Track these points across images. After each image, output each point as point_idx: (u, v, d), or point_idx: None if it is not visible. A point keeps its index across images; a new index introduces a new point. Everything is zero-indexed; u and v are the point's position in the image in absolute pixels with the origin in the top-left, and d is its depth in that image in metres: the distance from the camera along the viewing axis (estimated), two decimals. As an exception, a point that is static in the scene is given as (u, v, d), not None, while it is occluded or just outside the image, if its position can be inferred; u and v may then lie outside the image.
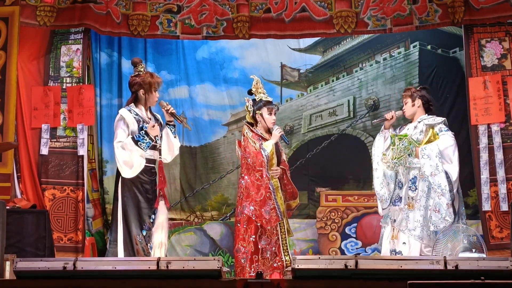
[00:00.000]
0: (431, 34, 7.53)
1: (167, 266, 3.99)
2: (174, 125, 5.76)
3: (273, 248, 5.80)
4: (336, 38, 7.79)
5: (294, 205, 6.12)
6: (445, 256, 4.25)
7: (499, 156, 6.68)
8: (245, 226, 5.81)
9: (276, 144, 6.01)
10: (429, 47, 7.66)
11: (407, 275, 3.74)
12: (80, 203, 6.91)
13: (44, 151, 6.94)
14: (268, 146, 5.86)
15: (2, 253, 4.84)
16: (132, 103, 5.68)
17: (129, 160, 5.49)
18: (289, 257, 5.76)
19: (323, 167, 7.72)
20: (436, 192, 5.65)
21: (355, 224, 7.40)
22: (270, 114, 5.98)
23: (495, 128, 6.72)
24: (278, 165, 5.96)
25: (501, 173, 6.64)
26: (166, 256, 5.48)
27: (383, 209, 5.94)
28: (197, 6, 7.10)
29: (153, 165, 5.65)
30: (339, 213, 7.44)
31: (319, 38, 7.78)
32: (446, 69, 7.58)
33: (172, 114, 5.72)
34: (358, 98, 7.84)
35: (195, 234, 7.74)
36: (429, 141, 5.80)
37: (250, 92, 6.10)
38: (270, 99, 6.06)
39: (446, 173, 5.65)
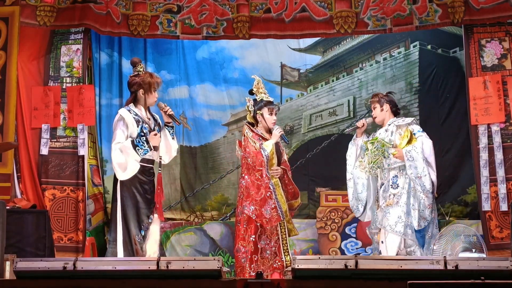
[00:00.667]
0: (431, 34, 7.53)
1: (167, 266, 3.99)
2: (172, 127, 5.76)
3: (273, 248, 5.80)
4: (336, 38, 7.79)
5: (296, 205, 6.12)
6: (445, 256, 4.25)
7: (499, 156, 6.68)
8: (245, 226, 5.81)
9: (277, 144, 6.01)
10: (429, 47, 7.67)
11: (407, 275, 3.74)
12: (80, 203, 6.91)
13: (44, 151, 6.94)
14: (268, 146, 5.86)
15: (2, 253, 4.83)
16: (132, 103, 5.67)
17: (123, 163, 5.47)
18: (290, 257, 5.76)
19: (323, 167, 7.72)
20: (422, 193, 5.70)
21: (355, 224, 7.40)
22: (271, 114, 5.98)
23: (495, 128, 6.72)
24: (278, 165, 5.96)
25: (501, 173, 6.64)
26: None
27: (357, 217, 6.15)
28: (197, 6, 7.10)
29: (151, 165, 5.63)
30: (339, 213, 7.44)
31: (319, 38, 7.78)
32: (446, 69, 7.58)
33: (170, 116, 5.71)
34: (358, 98, 7.84)
35: (195, 234, 7.74)
36: (409, 142, 5.82)
37: (251, 92, 6.09)
38: (271, 99, 6.05)
39: (430, 175, 5.74)
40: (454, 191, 7.42)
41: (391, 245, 5.74)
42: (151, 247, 5.43)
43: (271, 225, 5.76)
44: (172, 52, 7.98)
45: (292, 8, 7.03)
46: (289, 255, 5.80)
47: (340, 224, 7.43)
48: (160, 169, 5.62)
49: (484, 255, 6.25)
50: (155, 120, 5.73)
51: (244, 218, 5.82)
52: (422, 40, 7.65)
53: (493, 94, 6.73)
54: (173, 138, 5.76)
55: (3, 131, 6.67)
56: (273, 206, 5.74)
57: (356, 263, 3.89)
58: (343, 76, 7.99)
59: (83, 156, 6.99)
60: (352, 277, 3.90)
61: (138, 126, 5.52)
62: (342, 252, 7.35)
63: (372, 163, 5.78)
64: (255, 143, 5.87)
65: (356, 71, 7.94)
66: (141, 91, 5.62)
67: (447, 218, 7.36)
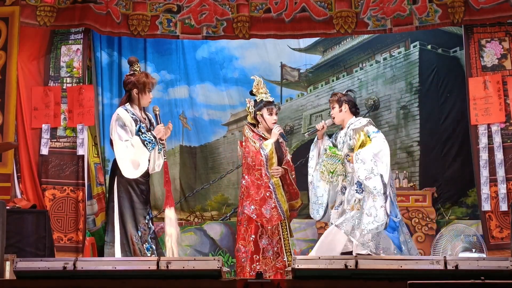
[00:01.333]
0: (431, 34, 7.53)
1: (167, 266, 3.99)
2: (163, 144, 5.68)
3: (275, 248, 5.80)
4: (336, 38, 7.79)
5: (297, 205, 6.11)
6: (445, 256, 4.25)
7: (499, 156, 6.68)
8: (245, 225, 5.82)
9: (280, 144, 6.01)
10: (429, 47, 7.67)
11: (407, 275, 3.74)
12: (80, 203, 6.91)
13: (44, 151, 6.94)
14: (268, 145, 5.86)
15: (2, 253, 4.83)
16: (128, 103, 5.65)
17: (136, 160, 5.47)
18: (292, 257, 5.75)
19: (323, 167, 7.70)
20: (372, 195, 5.51)
21: (355, 224, 7.39)
22: (271, 114, 5.97)
23: (495, 128, 6.72)
24: (280, 164, 5.95)
25: (501, 173, 6.64)
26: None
27: (317, 220, 6.09)
28: (197, 6, 7.10)
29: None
30: (339, 213, 7.43)
31: (319, 38, 7.78)
32: (446, 69, 7.59)
33: (156, 116, 5.67)
34: (358, 98, 7.81)
35: (195, 234, 7.74)
36: (362, 145, 5.67)
37: (252, 93, 6.10)
38: (271, 99, 6.04)
39: (381, 176, 5.54)
40: (454, 191, 7.42)
41: (336, 243, 5.66)
42: (171, 249, 5.47)
43: (272, 225, 5.76)
44: (172, 52, 7.99)
45: (292, 8, 7.03)
46: (291, 255, 5.80)
47: (340, 224, 7.41)
48: (165, 157, 5.61)
49: (484, 255, 6.26)
50: (149, 120, 5.72)
51: (245, 218, 5.82)
52: (422, 40, 7.65)
53: (493, 94, 6.73)
54: (158, 152, 5.64)
55: (3, 131, 6.67)
56: (273, 205, 5.74)
57: (356, 263, 3.89)
58: (343, 76, 7.99)
59: (83, 156, 6.99)
60: (352, 277, 3.90)
61: (136, 126, 5.51)
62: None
63: (331, 173, 5.70)
64: (255, 143, 5.88)
65: (356, 71, 7.94)
66: (135, 91, 5.60)
67: (447, 218, 7.36)
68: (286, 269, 5.58)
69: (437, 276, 3.78)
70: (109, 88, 7.79)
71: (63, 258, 5.06)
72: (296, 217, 6.36)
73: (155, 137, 5.50)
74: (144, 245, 5.49)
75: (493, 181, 6.68)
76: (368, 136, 5.70)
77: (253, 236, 5.76)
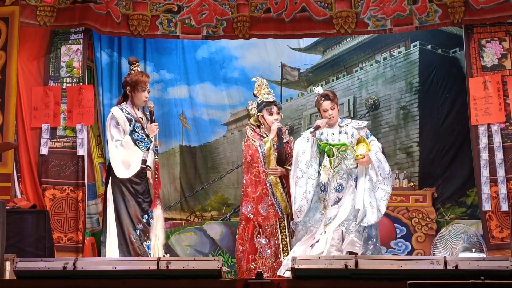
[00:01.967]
0: (431, 34, 7.53)
1: (167, 266, 3.99)
2: (151, 141, 5.62)
3: (273, 248, 5.81)
4: (336, 38, 7.79)
5: None
6: (445, 256, 4.25)
7: (499, 156, 6.68)
8: (243, 225, 5.88)
9: (283, 144, 6.00)
10: (429, 47, 7.67)
11: (407, 275, 3.74)
12: (80, 203, 6.91)
13: (44, 151, 6.94)
14: (266, 142, 5.88)
15: (2, 253, 4.83)
16: (125, 102, 5.67)
17: (127, 160, 5.48)
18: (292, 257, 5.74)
19: (323, 167, 7.70)
20: (385, 192, 5.59)
21: (355, 224, 7.38)
22: (271, 114, 5.98)
23: (495, 128, 6.72)
24: (282, 164, 5.94)
25: (501, 173, 6.64)
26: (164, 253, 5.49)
27: (298, 220, 5.64)
28: (197, 6, 7.10)
29: (144, 166, 5.61)
30: (339, 213, 7.42)
31: (319, 38, 7.77)
32: (446, 69, 7.58)
33: (150, 113, 5.67)
34: (358, 97, 7.84)
35: (195, 234, 7.74)
36: (358, 143, 5.71)
37: (255, 95, 6.12)
38: (272, 99, 6.05)
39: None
40: (454, 191, 7.42)
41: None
42: (157, 246, 5.43)
43: (269, 223, 5.77)
44: (172, 51, 7.98)
45: (292, 8, 7.03)
46: (288, 255, 5.78)
47: (340, 224, 7.41)
48: (156, 157, 5.59)
49: (484, 255, 6.26)
50: (147, 119, 5.72)
51: (243, 218, 5.89)
52: (422, 40, 7.65)
53: (493, 94, 6.73)
54: (153, 152, 5.63)
55: (3, 131, 6.67)
56: (269, 203, 5.77)
57: (356, 263, 3.89)
58: (343, 75, 7.99)
59: (83, 156, 6.99)
60: (352, 277, 3.90)
61: (130, 125, 5.52)
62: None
63: (335, 167, 5.68)
64: (255, 142, 5.90)
65: (356, 71, 7.94)
66: (128, 89, 5.63)
67: (447, 218, 7.36)
68: (279, 269, 5.56)
69: (437, 276, 3.79)
70: (109, 88, 7.78)
71: (63, 258, 5.06)
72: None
73: (147, 136, 5.50)
74: (145, 243, 5.48)
75: (493, 181, 6.67)
76: (367, 138, 5.75)
77: (249, 236, 5.79)
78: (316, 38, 7.84)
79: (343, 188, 5.65)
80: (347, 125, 5.85)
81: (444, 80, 7.55)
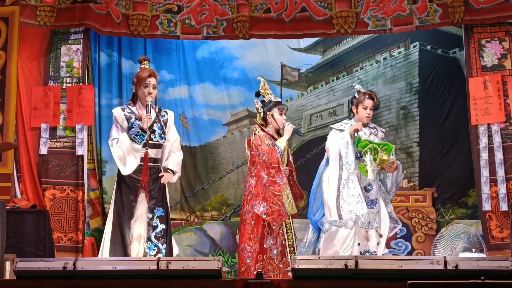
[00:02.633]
0: (431, 34, 7.53)
1: (167, 266, 3.99)
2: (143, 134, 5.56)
3: (280, 248, 5.79)
4: (336, 37, 7.79)
5: (301, 206, 6.10)
6: (445, 256, 4.25)
7: (499, 156, 6.68)
8: (252, 225, 5.77)
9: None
10: (429, 47, 7.67)
11: (407, 275, 3.73)
12: (80, 203, 6.91)
13: (43, 150, 6.94)
14: (282, 143, 5.87)
15: (2, 253, 4.83)
16: (131, 101, 5.70)
17: (122, 156, 5.47)
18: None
19: (323, 167, 7.70)
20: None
21: (354, 224, 7.39)
22: (281, 114, 5.95)
23: (495, 128, 6.72)
24: (286, 165, 5.95)
25: (501, 173, 6.64)
26: (144, 248, 5.43)
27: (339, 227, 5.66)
28: (197, 6, 7.10)
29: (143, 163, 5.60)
30: (339, 213, 7.42)
31: (319, 38, 7.78)
32: (446, 69, 7.59)
33: (147, 106, 5.63)
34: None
35: (195, 234, 7.74)
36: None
37: (257, 94, 6.06)
38: (278, 99, 6.06)
39: None
40: (454, 191, 7.42)
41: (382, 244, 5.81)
42: (137, 229, 5.37)
43: (280, 222, 5.75)
44: (172, 51, 7.98)
45: (292, 8, 7.03)
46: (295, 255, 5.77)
47: (340, 224, 7.41)
48: (146, 148, 5.55)
49: (484, 255, 6.26)
50: (159, 120, 5.67)
51: (252, 217, 5.76)
52: (422, 40, 7.66)
53: (493, 94, 6.73)
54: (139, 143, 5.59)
55: (3, 131, 6.67)
56: (280, 203, 5.72)
57: (356, 263, 3.89)
58: (343, 76, 7.99)
59: (82, 156, 6.99)
60: (352, 277, 3.90)
61: (128, 123, 5.51)
62: (342, 252, 7.34)
63: (377, 166, 5.74)
64: (268, 141, 5.86)
65: (356, 71, 7.94)
66: (133, 87, 5.66)
67: (447, 218, 7.36)
68: (286, 269, 5.57)
69: (437, 276, 3.78)
70: (108, 88, 7.78)
71: (63, 258, 5.05)
72: (296, 217, 6.35)
73: (141, 128, 5.49)
74: (146, 243, 5.46)
75: (493, 181, 6.68)
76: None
77: (259, 236, 5.75)
78: (316, 38, 7.84)
79: (372, 187, 5.78)
80: (375, 128, 5.90)
81: (444, 80, 7.56)
